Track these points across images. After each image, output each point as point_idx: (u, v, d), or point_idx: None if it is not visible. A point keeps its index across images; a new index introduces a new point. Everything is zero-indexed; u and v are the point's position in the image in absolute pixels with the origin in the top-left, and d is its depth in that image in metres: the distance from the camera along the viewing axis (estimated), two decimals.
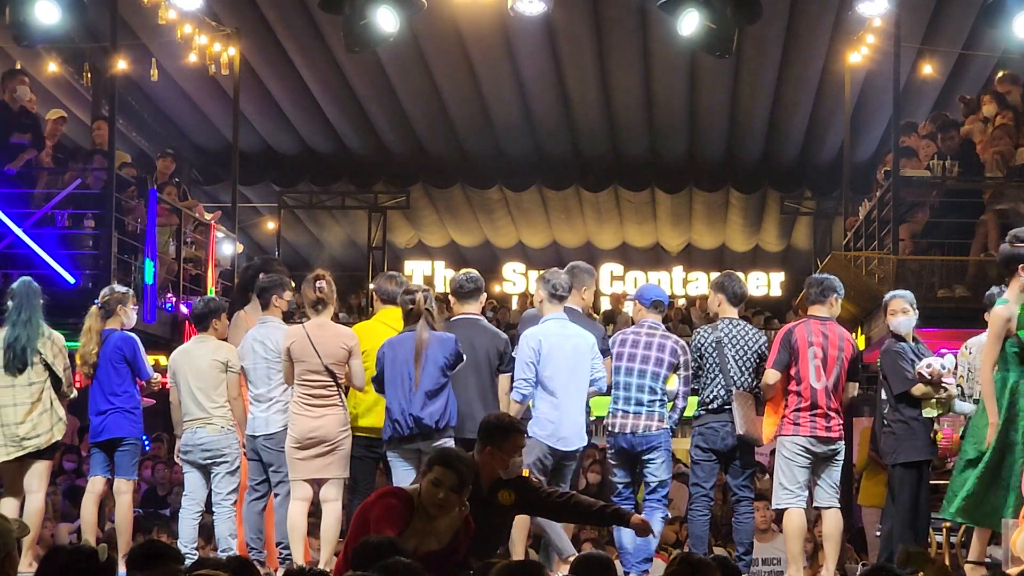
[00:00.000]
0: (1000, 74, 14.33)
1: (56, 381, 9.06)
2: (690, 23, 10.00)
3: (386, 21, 10.30)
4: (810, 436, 8.68)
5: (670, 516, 10.35)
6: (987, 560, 9.01)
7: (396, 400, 8.24)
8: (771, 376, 8.76)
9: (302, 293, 8.93)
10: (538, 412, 8.57)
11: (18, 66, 14.96)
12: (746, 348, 8.95)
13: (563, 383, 8.56)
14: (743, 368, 8.91)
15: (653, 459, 8.85)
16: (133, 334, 9.46)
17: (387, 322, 9.01)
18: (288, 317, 9.33)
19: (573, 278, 9.09)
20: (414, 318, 8.41)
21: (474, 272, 9.19)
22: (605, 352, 9.04)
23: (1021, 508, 7.67)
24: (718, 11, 9.95)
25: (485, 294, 9.25)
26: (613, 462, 9.03)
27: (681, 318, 22.11)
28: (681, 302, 24.45)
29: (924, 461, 8.80)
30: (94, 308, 9.37)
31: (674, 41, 12.37)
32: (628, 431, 8.83)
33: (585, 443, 8.75)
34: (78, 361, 9.35)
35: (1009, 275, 8.07)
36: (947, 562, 9.08)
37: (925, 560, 5.33)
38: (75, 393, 9.29)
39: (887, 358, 8.84)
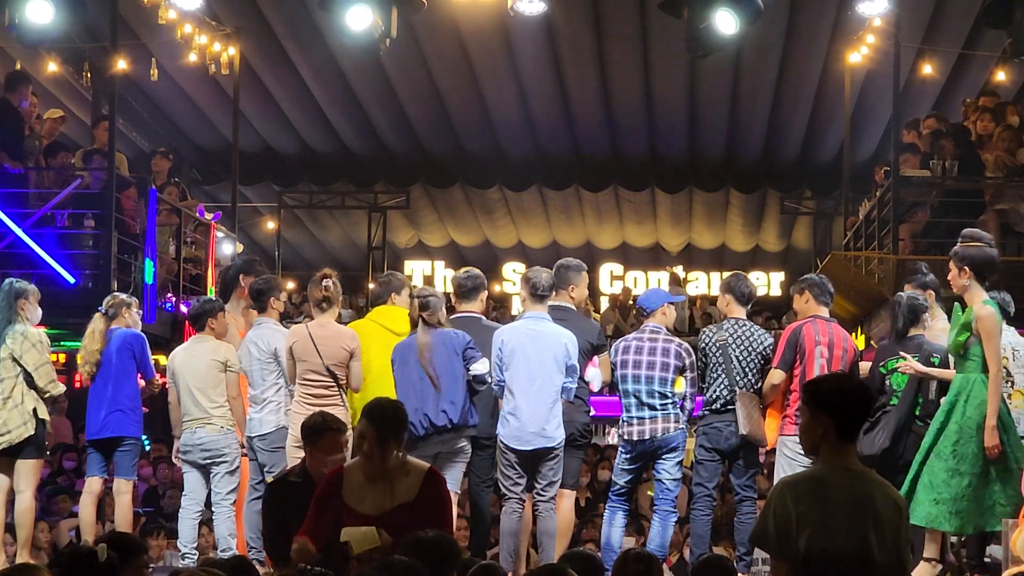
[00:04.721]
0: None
1: (29, 377, 9.03)
2: (727, 23, 9.99)
3: (358, 20, 10.25)
4: None
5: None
6: (987, 560, 9.02)
7: (408, 401, 8.22)
8: (776, 376, 8.75)
9: (308, 292, 8.97)
10: (502, 411, 8.58)
11: (18, 66, 14.96)
12: (751, 349, 8.93)
13: (522, 383, 8.46)
14: (747, 369, 8.89)
15: (669, 458, 8.84)
16: (141, 332, 9.49)
17: (378, 320, 9.04)
18: (283, 318, 9.35)
19: (560, 276, 9.03)
20: (412, 322, 8.49)
21: (474, 271, 9.17)
22: (601, 348, 9.05)
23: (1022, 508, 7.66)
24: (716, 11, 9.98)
25: (486, 292, 9.23)
26: (625, 467, 8.98)
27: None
28: None
29: None
30: (98, 314, 9.37)
31: (674, 41, 12.38)
32: (647, 437, 8.80)
33: (550, 443, 8.48)
34: (79, 360, 9.35)
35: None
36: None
37: None
38: (60, 389, 9.26)
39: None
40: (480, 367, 8.42)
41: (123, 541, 5.45)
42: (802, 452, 8.50)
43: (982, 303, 7.97)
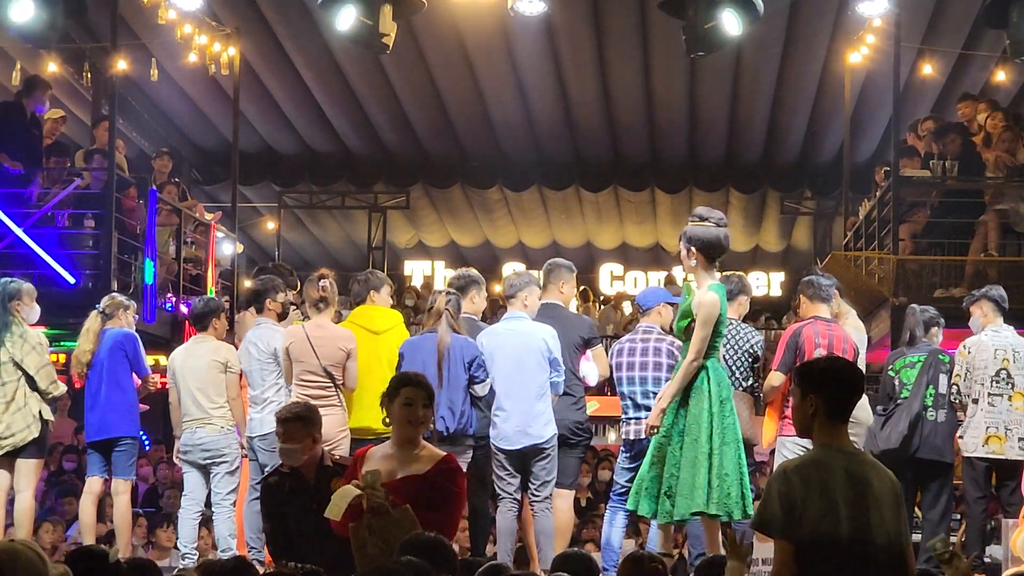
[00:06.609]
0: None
1: (31, 380, 9.02)
2: (732, 24, 10.00)
3: (343, 19, 10.25)
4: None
5: None
6: (987, 560, 9.03)
7: None
8: (776, 379, 8.75)
9: (304, 292, 8.96)
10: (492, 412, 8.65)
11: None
12: (738, 347, 8.94)
13: (503, 384, 8.54)
14: (735, 367, 8.88)
15: None
16: (133, 332, 9.48)
17: (357, 321, 9.04)
18: (282, 317, 9.35)
19: (549, 273, 9.09)
20: (435, 318, 8.47)
21: (467, 270, 9.21)
22: (594, 341, 9.06)
23: None
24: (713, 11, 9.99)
25: (478, 290, 9.15)
26: (626, 466, 8.97)
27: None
28: None
29: None
30: (94, 312, 9.37)
31: (674, 41, 12.36)
32: (643, 436, 8.79)
33: (537, 441, 8.51)
34: (72, 360, 9.35)
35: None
36: None
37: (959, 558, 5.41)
38: (61, 390, 9.26)
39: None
40: (482, 389, 8.50)
41: (137, 564, 5.43)
42: (801, 452, 8.62)
43: (707, 288, 7.59)
